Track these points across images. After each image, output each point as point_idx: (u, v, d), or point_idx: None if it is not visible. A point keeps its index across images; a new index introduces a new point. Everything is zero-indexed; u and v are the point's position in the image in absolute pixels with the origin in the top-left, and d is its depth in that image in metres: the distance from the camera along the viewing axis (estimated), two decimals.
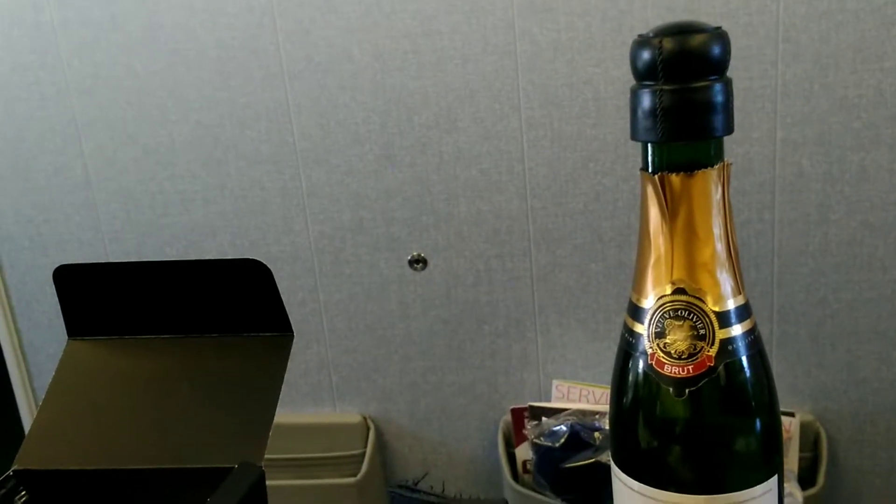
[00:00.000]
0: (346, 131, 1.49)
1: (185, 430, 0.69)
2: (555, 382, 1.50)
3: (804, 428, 1.40)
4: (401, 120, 1.47)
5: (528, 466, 1.52)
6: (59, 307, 0.73)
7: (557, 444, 1.38)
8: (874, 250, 1.39)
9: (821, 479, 1.32)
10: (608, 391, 1.49)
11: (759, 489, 0.51)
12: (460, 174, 1.48)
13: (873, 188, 1.36)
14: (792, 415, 1.39)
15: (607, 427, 1.35)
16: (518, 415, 1.52)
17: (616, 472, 0.55)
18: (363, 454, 1.68)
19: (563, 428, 1.38)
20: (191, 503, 0.64)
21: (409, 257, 1.55)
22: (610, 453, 0.56)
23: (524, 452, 1.53)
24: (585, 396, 1.46)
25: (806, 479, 1.36)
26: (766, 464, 0.52)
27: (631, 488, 0.53)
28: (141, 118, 1.54)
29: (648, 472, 0.52)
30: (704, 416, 0.51)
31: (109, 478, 0.68)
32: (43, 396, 1.50)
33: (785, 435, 1.39)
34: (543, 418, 1.43)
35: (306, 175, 1.53)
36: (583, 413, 1.40)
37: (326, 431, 1.69)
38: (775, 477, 0.52)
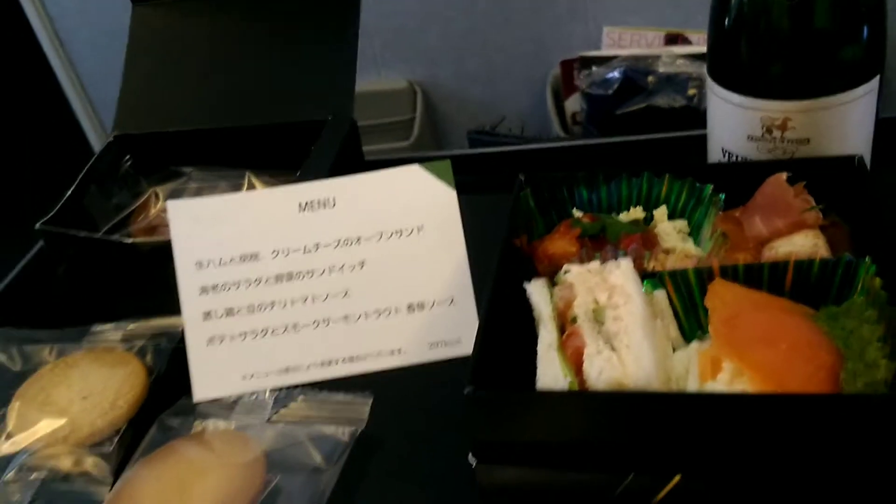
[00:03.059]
0: None
1: (272, 88, 0.70)
2: (605, 29, 1.46)
3: None
4: None
5: (578, 118, 1.54)
6: None
7: (610, 92, 1.38)
8: None
9: None
10: (661, 34, 1.46)
11: (861, 90, 0.51)
12: None
13: None
14: None
15: (661, 69, 1.35)
16: (567, 67, 1.51)
17: (714, 89, 0.55)
18: (412, 119, 1.71)
19: (616, 75, 1.37)
20: (290, 156, 0.67)
21: None
22: (707, 71, 0.56)
23: (574, 104, 1.54)
24: (637, 41, 1.43)
25: None
26: (869, 64, 0.51)
27: (730, 102, 0.54)
28: None
29: (751, 84, 0.52)
30: (814, 18, 0.50)
31: (207, 137, 0.70)
32: (85, 81, 1.48)
33: None
34: (594, 67, 1.42)
35: None
36: (635, 58, 1.38)
37: (374, 99, 1.71)
38: (877, 77, 0.52)
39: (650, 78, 1.35)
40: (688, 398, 0.40)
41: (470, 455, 0.42)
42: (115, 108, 0.73)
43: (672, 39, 1.40)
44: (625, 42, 1.43)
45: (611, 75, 1.37)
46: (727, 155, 0.56)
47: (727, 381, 0.41)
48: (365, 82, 1.70)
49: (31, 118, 1.73)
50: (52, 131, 1.78)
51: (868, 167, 0.55)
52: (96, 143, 1.81)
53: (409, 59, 1.66)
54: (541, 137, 1.43)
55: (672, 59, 1.32)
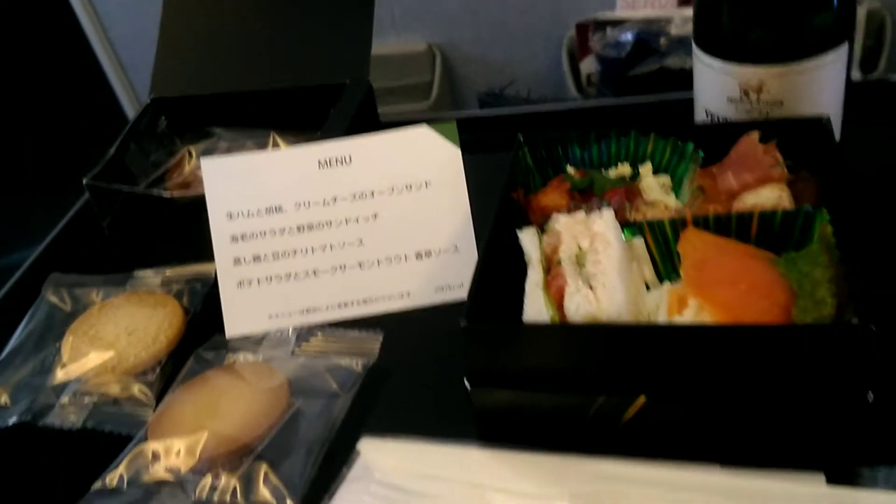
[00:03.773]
0: None
1: (295, 53, 0.76)
2: None
3: (870, 16, 1.40)
4: None
5: (593, 79, 1.58)
6: None
7: (623, 54, 1.42)
8: None
9: (882, 64, 1.35)
10: None
11: (830, 56, 0.56)
12: None
13: None
14: (859, 2, 1.38)
15: (673, 32, 1.38)
16: (582, 29, 1.54)
17: (699, 55, 0.60)
18: (431, 82, 1.76)
19: (629, 37, 1.41)
20: (311, 117, 0.73)
21: None
22: (693, 38, 0.61)
23: (588, 66, 1.57)
24: (650, 4, 1.46)
25: (868, 64, 1.39)
26: (837, 31, 0.56)
27: (712, 67, 0.59)
28: None
29: (730, 50, 0.57)
30: None
31: (235, 100, 0.76)
32: (116, 43, 1.53)
33: None
34: (608, 29, 1.45)
35: None
36: (648, 21, 1.41)
37: (394, 61, 1.75)
38: (845, 45, 0.57)
39: (662, 40, 1.38)
40: (651, 329, 0.46)
41: (465, 380, 0.48)
42: (143, 69, 0.78)
43: (685, 2, 1.43)
44: (638, 4, 1.46)
45: (624, 37, 1.41)
46: (710, 115, 0.61)
47: (692, 315, 0.46)
48: (385, 45, 1.75)
49: (64, 78, 1.80)
50: (83, 91, 1.85)
51: (840, 127, 0.60)
52: (126, 101, 1.88)
53: (428, 21, 1.70)
54: (545, 99, 1.47)
55: (684, 22, 1.35)
